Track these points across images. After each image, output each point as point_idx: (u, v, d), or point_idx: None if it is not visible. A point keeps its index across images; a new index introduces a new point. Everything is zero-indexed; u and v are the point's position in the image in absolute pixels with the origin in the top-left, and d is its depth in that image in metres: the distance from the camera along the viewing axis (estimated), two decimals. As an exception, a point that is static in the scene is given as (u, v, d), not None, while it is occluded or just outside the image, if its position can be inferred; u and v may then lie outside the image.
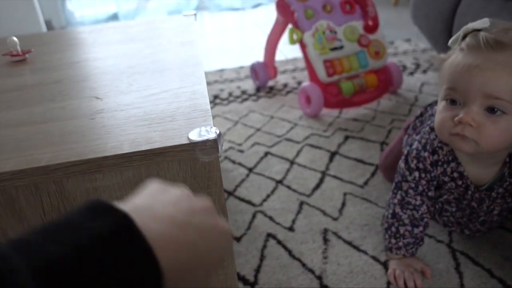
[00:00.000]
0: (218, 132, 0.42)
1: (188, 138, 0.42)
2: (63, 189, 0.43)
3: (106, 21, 2.93)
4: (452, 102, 0.64)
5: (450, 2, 1.36)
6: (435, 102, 0.74)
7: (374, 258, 0.79)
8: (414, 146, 0.74)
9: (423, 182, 0.74)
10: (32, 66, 0.75)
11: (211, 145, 0.41)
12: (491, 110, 0.60)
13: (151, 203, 0.30)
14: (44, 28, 2.33)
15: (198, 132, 0.43)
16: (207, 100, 0.52)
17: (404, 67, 1.66)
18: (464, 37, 0.64)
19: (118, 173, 0.43)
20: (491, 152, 0.65)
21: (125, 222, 0.25)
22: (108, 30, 0.94)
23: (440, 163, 0.72)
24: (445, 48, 0.67)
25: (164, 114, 0.50)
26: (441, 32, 1.41)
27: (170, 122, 0.48)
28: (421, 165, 0.73)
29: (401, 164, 0.76)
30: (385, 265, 0.78)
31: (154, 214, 0.28)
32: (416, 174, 0.74)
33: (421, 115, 0.84)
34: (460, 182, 0.71)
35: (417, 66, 1.67)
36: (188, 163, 0.43)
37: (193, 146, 0.42)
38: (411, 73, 1.60)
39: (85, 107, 0.54)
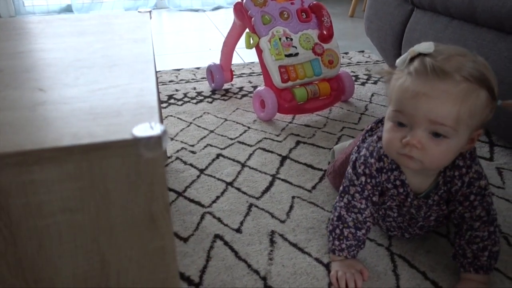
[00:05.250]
0: (163, 128, 0.42)
1: (132, 133, 0.42)
2: (-3, 182, 0.41)
3: (58, 13, 2.82)
4: (399, 124, 0.68)
5: (400, 17, 1.43)
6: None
7: (318, 260, 0.81)
8: (362, 153, 0.78)
9: (369, 187, 0.77)
10: (-28, 53, 0.71)
11: (155, 141, 0.41)
12: (435, 134, 0.65)
13: None
14: (-10, 16, 2.21)
15: (143, 128, 0.43)
16: (155, 98, 0.51)
17: (356, 77, 1.71)
18: (411, 59, 0.68)
19: (57, 167, 0.41)
20: (434, 169, 0.72)
21: None
22: (57, 22, 0.91)
23: (384, 170, 0.76)
24: (394, 61, 0.71)
25: (110, 109, 0.49)
26: (391, 45, 1.48)
27: (115, 117, 0.47)
28: (367, 171, 0.77)
29: (349, 169, 0.80)
30: (327, 266, 0.80)
31: None
32: (363, 179, 0.77)
33: (371, 129, 0.88)
34: (401, 190, 0.76)
35: (369, 77, 1.73)
36: (132, 159, 0.43)
37: (136, 141, 0.41)
38: (363, 84, 1.66)
39: (27, 98, 0.52)
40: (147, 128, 0.42)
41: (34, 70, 0.62)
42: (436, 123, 0.64)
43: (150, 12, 0.97)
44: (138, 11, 0.98)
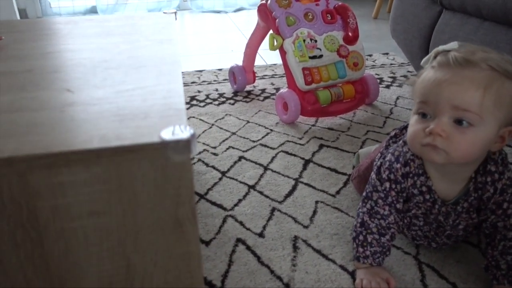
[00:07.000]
0: (192, 132, 0.41)
1: (160, 136, 0.41)
2: (26, 183, 0.41)
3: (83, 14, 2.87)
4: (423, 115, 0.67)
5: (428, 19, 1.39)
6: None
7: (342, 267, 0.79)
8: (387, 158, 0.76)
9: (393, 193, 0.75)
10: (2, 53, 0.72)
11: (183, 145, 0.40)
12: (459, 122, 0.63)
13: None
14: (17, 17, 2.26)
15: (171, 131, 0.42)
16: (182, 100, 0.51)
17: (381, 80, 1.68)
18: (435, 57, 0.68)
19: (86, 169, 0.41)
20: (461, 163, 0.67)
21: None
22: (84, 23, 0.92)
23: (411, 175, 0.73)
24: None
25: (138, 111, 0.49)
26: (418, 48, 1.45)
27: (143, 119, 0.46)
28: (392, 176, 0.74)
29: (373, 175, 0.78)
30: (352, 274, 0.78)
31: None
32: (387, 184, 0.75)
33: (396, 136, 0.86)
34: (427, 196, 0.73)
35: (394, 79, 1.70)
36: (160, 163, 0.42)
37: (165, 145, 0.40)
38: (387, 86, 1.63)
39: (55, 99, 0.52)
40: (176, 131, 0.41)
41: (62, 71, 0.62)
42: (459, 109, 0.62)
43: (175, 13, 0.97)
44: (164, 12, 0.98)
